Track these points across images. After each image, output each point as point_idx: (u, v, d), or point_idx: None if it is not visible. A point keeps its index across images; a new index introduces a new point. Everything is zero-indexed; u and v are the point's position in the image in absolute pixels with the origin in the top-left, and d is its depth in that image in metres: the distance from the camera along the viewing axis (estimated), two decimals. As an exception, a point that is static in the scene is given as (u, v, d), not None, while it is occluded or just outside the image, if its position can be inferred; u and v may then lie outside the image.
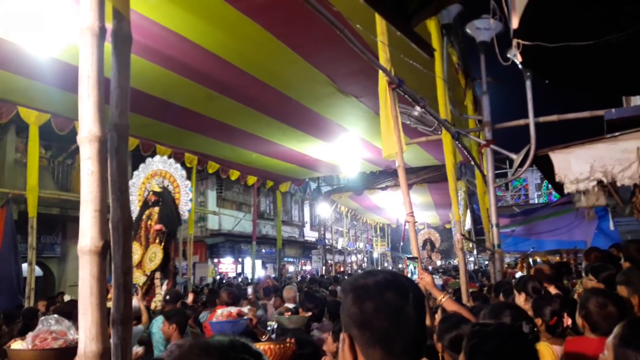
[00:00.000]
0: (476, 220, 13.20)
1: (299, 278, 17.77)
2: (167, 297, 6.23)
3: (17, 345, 2.42)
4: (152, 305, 6.83)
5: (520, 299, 3.49)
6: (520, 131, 6.79)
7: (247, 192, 19.67)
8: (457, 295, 6.23)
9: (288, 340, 2.59)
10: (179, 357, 0.93)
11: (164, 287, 7.29)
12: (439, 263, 21.20)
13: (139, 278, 7.29)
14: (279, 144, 10.64)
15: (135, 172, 8.36)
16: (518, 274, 9.00)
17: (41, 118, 7.90)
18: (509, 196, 27.72)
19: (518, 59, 4.60)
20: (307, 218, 26.39)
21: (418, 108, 5.76)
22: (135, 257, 7.39)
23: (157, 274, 7.44)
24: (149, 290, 7.35)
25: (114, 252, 1.23)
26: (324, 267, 21.87)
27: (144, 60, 6.24)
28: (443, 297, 3.12)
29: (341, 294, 1.16)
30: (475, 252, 23.90)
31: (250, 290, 8.19)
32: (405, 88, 4.02)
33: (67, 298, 8.12)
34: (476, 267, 22.43)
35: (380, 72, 3.82)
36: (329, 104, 8.29)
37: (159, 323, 4.68)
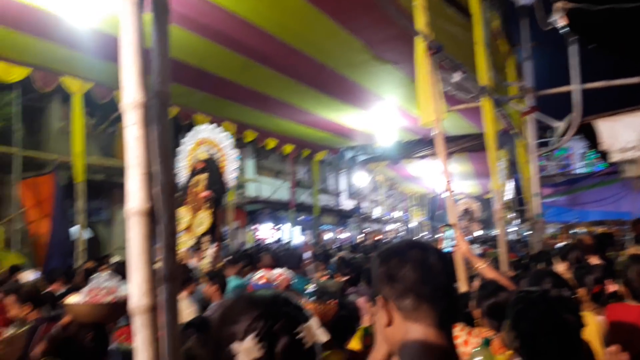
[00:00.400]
0: (518, 190, 12.94)
1: (336, 245, 17.98)
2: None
3: (72, 299, 2.59)
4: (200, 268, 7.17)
5: (561, 267, 3.44)
6: (565, 98, 6.55)
7: (285, 160, 19.82)
8: (495, 264, 6.19)
9: (329, 301, 2.66)
10: (225, 311, 1.02)
11: (211, 250, 7.61)
12: (478, 233, 20.93)
13: (188, 242, 7.64)
14: (314, 113, 10.63)
15: (183, 140, 8.60)
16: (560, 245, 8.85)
17: (84, 87, 8.13)
18: (552, 166, 26.88)
19: (563, 22, 4.40)
20: (343, 187, 26.46)
21: (457, 74, 5.63)
22: (184, 221, 7.77)
23: (205, 238, 7.74)
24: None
25: (160, 214, 1.29)
26: (360, 236, 22.01)
27: (181, 29, 6.30)
28: (482, 265, 3.10)
29: (372, 266, 1.22)
30: (517, 222, 23.46)
31: (308, 254, 8.47)
32: (443, 54, 3.93)
33: (116, 259, 8.52)
34: (517, 238, 22.07)
35: (417, 37, 3.74)
36: (365, 71, 8.19)
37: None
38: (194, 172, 8.12)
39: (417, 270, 1.12)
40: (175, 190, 1.39)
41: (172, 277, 1.19)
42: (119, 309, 2.53)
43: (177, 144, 8.57)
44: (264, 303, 1.01)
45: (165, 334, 1.13)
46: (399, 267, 1.13)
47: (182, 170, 8.43)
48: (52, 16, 5.94)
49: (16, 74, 7.22)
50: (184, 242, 7.71)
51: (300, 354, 0.97)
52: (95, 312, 2.47)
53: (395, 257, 1.15)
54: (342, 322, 2.80)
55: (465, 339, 2.15)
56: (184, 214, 7.92)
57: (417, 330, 1.09)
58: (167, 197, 1.32)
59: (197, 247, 7.70)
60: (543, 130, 9.23)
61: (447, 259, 1.20)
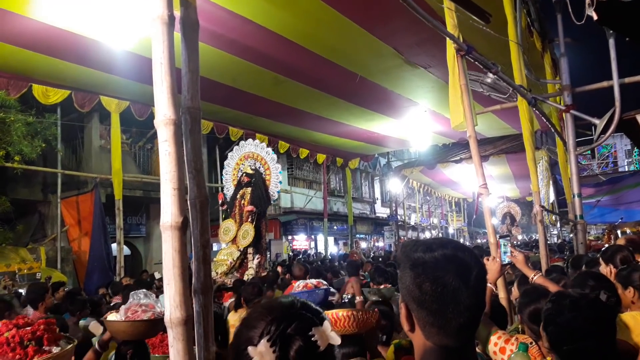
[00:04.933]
0: (559, 191, 12.57)
1: (372, 254, 17.84)
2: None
3: (112, 317, 2.65)
4: (245, 278, 7.33)
5: (606, 271, 3.29)
6: (605, 94, 6.33)
7: (317, 170, 19.86)
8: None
9: (372, 309, 2.62)
10: (247, 318, 1.03)
11: (256, 261, 7.88)
12: (520, 237, 20.39)
13: (234, 253, 7.84)
14: (346, 123, 10.66)
15: (230, 154, 9.02)
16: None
17: (121, 105, 8.38)
18: (596, 164, 26.05)
19: (593, 17, 4.26)
20: (377, 194, 26.27)
21: (491, 75, 5.52)
22: (231, 234, 8.02)
23: (250, 250, 8.01)
24: (242, 264, 7.93)
25: (193, 227, 1.30)
26: (397, 244, 21.77)
27: (212, 47, 6.41)
28: (535, 275, 3.05)
29: (399, 260, 1.15)
30: (558, 225, 22.79)
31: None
32: (475, 54, 3.86)
33: (157, 275, 8.69)
34: (560, 241, 21.40)
35: (448, 39, 3.69)
36: (396, 76, 8.14)
37: None
38: (240, 186, 8.37)
39: (448, 307, 1.04)
40: (207, 204, 1.41)
41: (205, 289, 1.20)
42: (157, 325, 2.58)
43: (214, 156, 8.88)
44: (280, 308, 1.02)
45: (197, 346, 1.14)
46: (430, 297, 1.05)
47: (229, 183, 8.76)
48: (90, 40, 6.16)
49: (55, 96, 7.49)
50: (230, 254, 7.93)
51: (314, 356, 0.97)
52: (135, 329, 2.52)
53: (429, 283, 1.05)
54: (383, 330, 2.76)
55: (502, 347, 2.10)
56: (230, 227, 8.19)
57: (434, 342, 1.07)
58: (198, 210, 1.34)
59: (243, 259, 7.93)
60: (586, 128, 8.93)
61: (483, 283, 1.10)
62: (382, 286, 4.50)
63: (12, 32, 5.85)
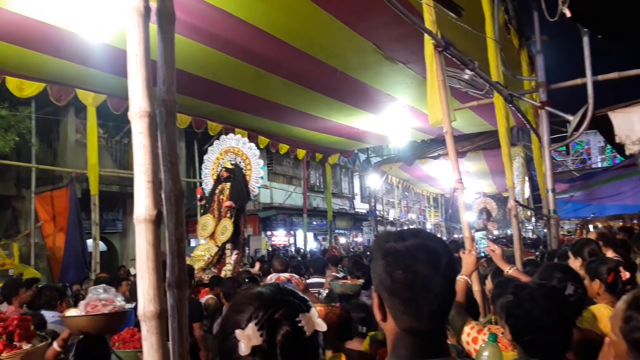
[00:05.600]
0: (535, 187, 12.78)
1: (351, 249, 17.93)
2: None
3: (71, 312, 2.63)
4: (223, 274, 7.30)
5: (575, 264, 3.37)
6: (579, 91, 6.47)
7: (297, 165, 19.84)
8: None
9: (334, 305, 2.65)
10: (235, 303, 1.06)
11: (234, 257, 7.84)
12: (495, 232, 20.65)
13: (211, 248, 7.80)
14: (326, 118, 10.66)
15: (210, 148, 8.90)
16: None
17: (98, 99, 8.24)
18: (570, 161, 26.55)
19: (567, 14, 4.34)
20: (357, 190, 26.37)
21: (468, 71, 5.59)
22: (209, 229, 7.96)
23: (228, 245, 7.96)
24: (220, 260, 7.89)
25: (167, 221, 1.29)
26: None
27: (192, 41, 6.35)
28: (510, 269, 3.13)
29: (372, 251, 1.17)
30: (533, 220, 23.17)
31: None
32: (452, 51, 3.90)
33: (132, 271, 8.58)
34: (535, 237, 21.75)
35: (426, 35, 3.72)
36: (376, 72, 8.18)
37: None
38: (220, 180, 8.30)
39: (420, 294, 1.05)
40: (182, 198, 1.40)
41: (179, 283, 1.19)
42: (118, 319, 2.58)
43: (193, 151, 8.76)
44: (268, 294, 1.04)
45: (172, 340, 1.13)
46: (402, 284, 1.06)
47: (207, 178, 8.67)
48: (66, 32, 6.04)
49: (30, 89, 7.33)
50: (208, 249, 7.88)
51: (300, 341, 0.99)
52: (96, 322, 2.52)
53: (400, 270, 1.06)
54: (349, 324, 2.76)
55: (475, 337, 2.15)
56: (208, 222, 8.13)
57: (406, 329, 1.08)
58: (173, 204, 1.33)
59: (220, 254, 7.90)
60: (561, 124, 9.11)
61: (453, 270, 1.11)
62: (359, 281, 4.52)
63: (-17, 22, 5.71)
